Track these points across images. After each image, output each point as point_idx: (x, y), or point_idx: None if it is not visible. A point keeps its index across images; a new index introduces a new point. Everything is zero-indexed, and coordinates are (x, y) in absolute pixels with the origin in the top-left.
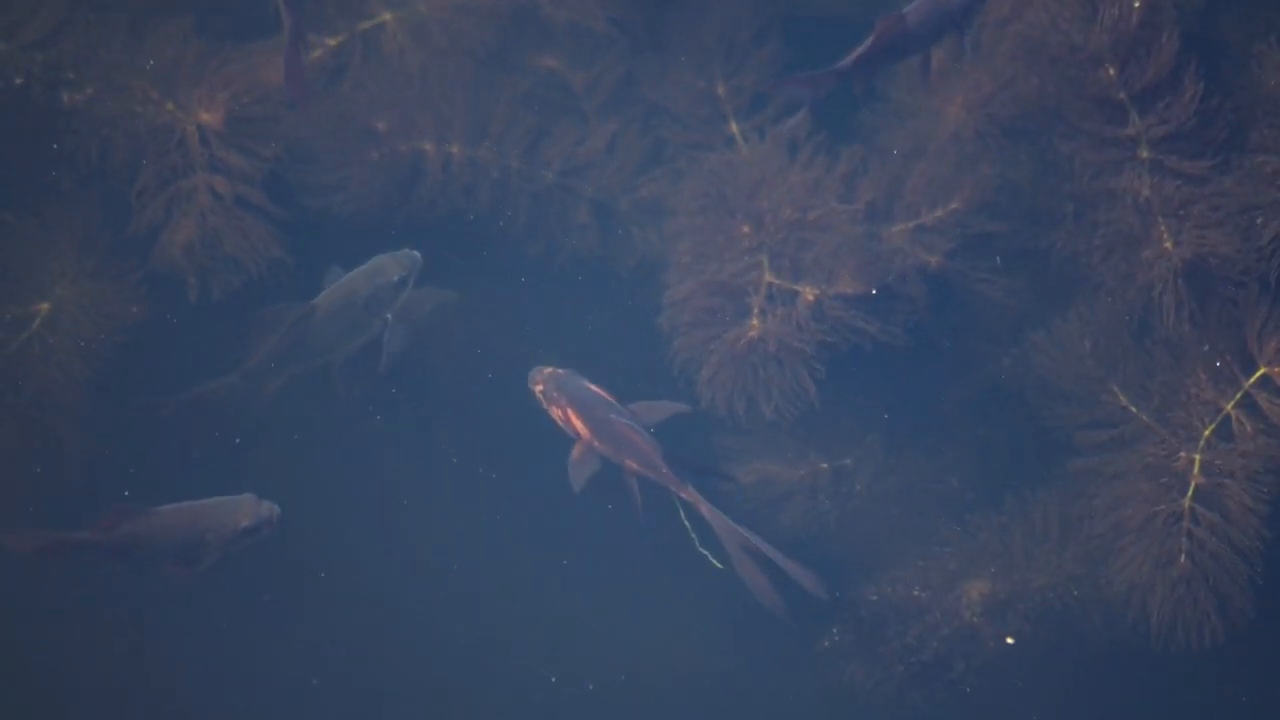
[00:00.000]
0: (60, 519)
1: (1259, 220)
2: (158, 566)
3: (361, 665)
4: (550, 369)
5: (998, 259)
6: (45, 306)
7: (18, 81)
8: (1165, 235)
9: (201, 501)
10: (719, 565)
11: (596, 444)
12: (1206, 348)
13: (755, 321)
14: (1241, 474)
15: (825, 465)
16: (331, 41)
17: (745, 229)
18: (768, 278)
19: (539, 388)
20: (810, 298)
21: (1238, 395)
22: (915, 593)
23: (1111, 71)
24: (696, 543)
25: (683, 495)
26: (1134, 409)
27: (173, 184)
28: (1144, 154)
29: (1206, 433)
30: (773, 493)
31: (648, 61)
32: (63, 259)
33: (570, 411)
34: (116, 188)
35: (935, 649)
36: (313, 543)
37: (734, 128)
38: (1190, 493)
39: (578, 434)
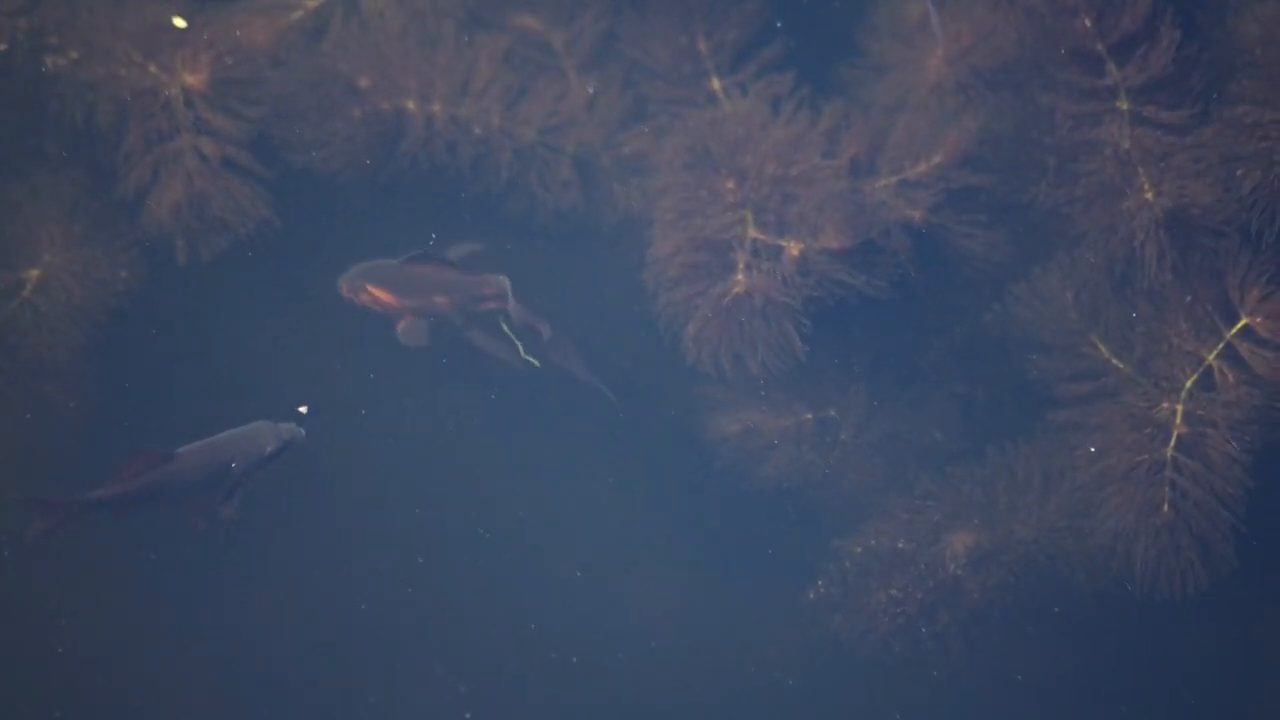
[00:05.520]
0: (54, 486)
1: (1239, 171)
2: (183, 510)
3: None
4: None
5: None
6: (36, 273)
7: (1, 48)
8: (1146, 186)
9: (221, 435)
10: (536, 363)
11: (407, 303)
12: (1188, 298)
13: (740, 277)
14: (1224, 423)
15: (810, 416)
16: (311, 2)
17: (729, 185)
18: (752, 233)
19: (344, 290)
20: (795, 252)
21: (1220, 345)
22: (900, 545)
23: (1087, 22)
24: (521, 350)
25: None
26: (1115, 360)
27: (158, 147)
28: (1123, 105)
29: (1188, 383)
30: (757, 443)
31: (628, 18)
32: (52, 225)
33: (369, 286)
34: (103, 153)
35: (920, 601)
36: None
37: (716, 84)
38: (1173, 442)
39: (390, 306)
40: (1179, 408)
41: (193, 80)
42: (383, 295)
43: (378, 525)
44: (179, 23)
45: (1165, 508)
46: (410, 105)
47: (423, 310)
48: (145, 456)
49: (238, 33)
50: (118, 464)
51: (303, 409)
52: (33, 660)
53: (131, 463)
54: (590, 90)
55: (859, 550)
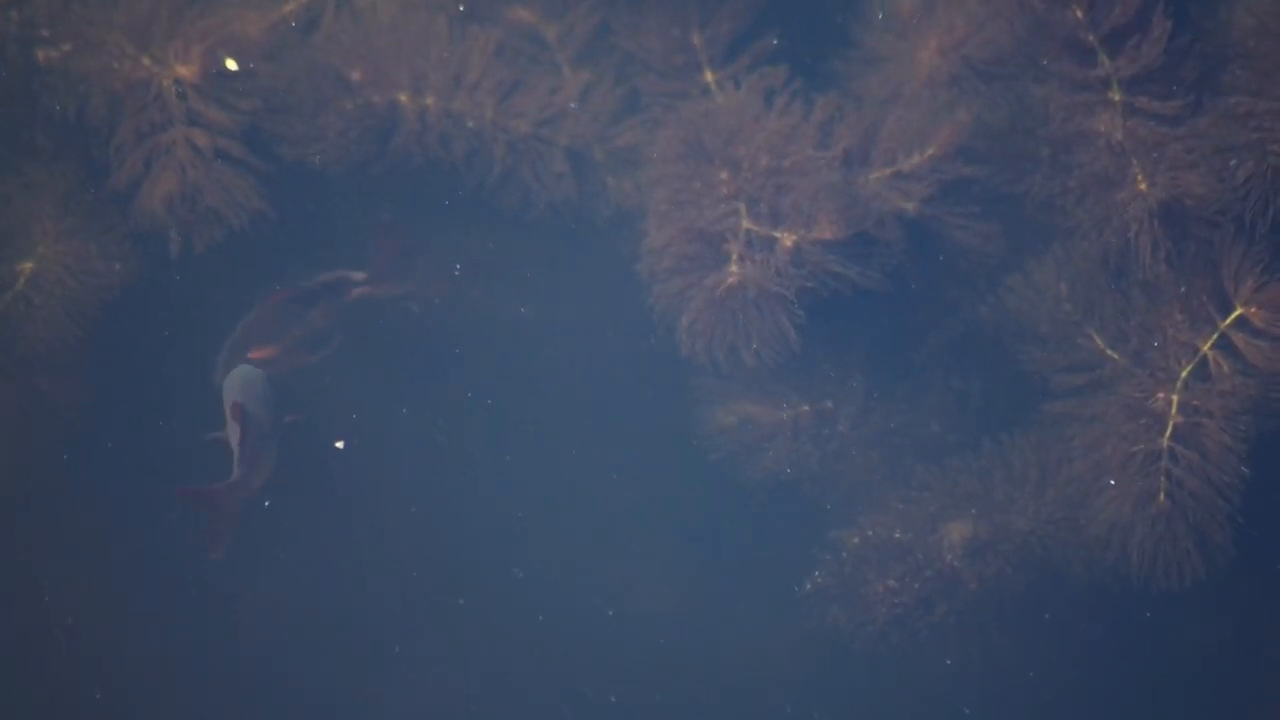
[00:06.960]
0: (52, 484)
1: (1232, 162)
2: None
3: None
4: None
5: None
6: (29, 266)
7: None
8: (1140, 177)
9: (234, 396)
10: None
11: (289, 339)
12: (1183, 289)
13: (734, 268)
14: (1220, 413)
15: (806, 407)
16: None
17: (723, 176)
18: (746, 224)
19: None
20: (789, 243)
21: (1214, 335)
22: (897, 535)
23: (1079, 13)
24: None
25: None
26: (1111, 351)
27: (151, 138)
28: (1115, 96)
29: (1184, 373)
30: (755, 434)
31: (622, 11)
32: (45, 218)
33: (258, 351)
34: (95, 145)
35: (917, 591)
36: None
37: (709, 76)
38: (1168, 432)
39: (278, 356)
40: (1174, 398)
41: (185, 72)
42: (265, 354)
43: (375, 526)
44: (231, 65)
45: (1161, 498)
46: (403, 98)
47: (308, 337)
48: (243, 417)
49: (231, 24)
50: (239, 430)
51: (339, 444)
52: (32, 660)
53: (243, 424)
54: (583, 83)
55: (856, 541)
